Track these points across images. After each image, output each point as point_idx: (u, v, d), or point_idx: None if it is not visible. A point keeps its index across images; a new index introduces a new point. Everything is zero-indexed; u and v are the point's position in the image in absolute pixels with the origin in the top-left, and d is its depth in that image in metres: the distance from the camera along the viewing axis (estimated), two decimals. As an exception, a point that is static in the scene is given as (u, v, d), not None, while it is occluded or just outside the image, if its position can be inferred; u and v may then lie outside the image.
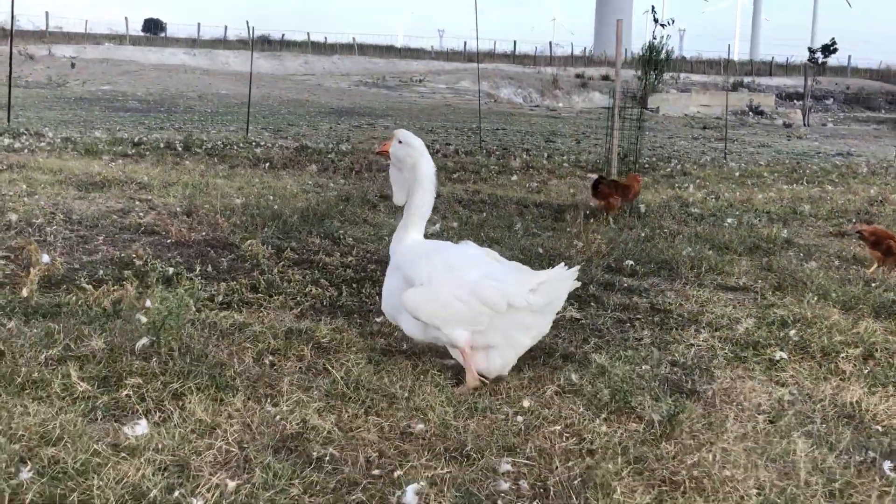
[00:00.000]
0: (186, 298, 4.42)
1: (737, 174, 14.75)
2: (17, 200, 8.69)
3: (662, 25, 10.07)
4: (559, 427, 3.86)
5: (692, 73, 66.61)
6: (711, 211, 10.60)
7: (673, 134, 23.89)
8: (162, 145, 14.78)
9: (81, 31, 63.73)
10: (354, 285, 6.32)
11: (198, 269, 6.25)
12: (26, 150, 13.14)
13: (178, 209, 8.87)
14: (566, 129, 24.10)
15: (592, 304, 6.27)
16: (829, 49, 38.43)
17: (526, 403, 4.09)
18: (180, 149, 14.53)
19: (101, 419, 3.59)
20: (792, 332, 5.65)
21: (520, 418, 3.92)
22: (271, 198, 9.66)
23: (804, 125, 38.73)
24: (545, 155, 16.37)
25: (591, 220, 9.46)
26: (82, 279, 5.72)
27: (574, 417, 3.94)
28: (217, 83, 33.87)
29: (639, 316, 6.04)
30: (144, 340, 4.09)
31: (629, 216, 9.95)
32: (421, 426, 3.74)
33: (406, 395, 4.01)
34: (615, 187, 10.00)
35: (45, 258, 5.85)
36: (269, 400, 3.86)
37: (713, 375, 4.86)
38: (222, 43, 66.22)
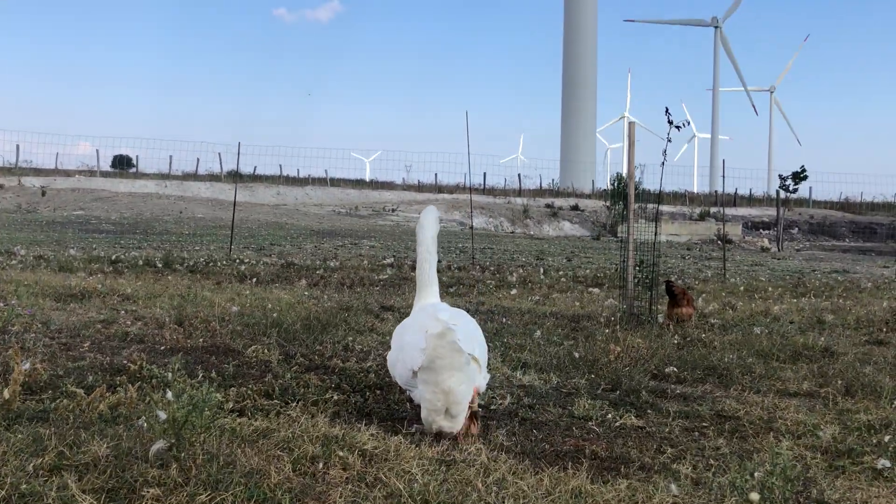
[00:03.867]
0: (212, 393, 3.62)
1: (742, 288, 14.24)
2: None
3: (678, 127, 9.65)
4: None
5: (658, 203, 67.36)
6: (733, 321, 9.98)
7: (661, 254, 23.53)
8: (141, 262, 14.03)
9: (51, 167, 63.49)
10: (379, 391, 5.54)
11: (200, 374, 5.45)
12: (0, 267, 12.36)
13: (167, 319, 8.08)
14: (552, 249, 23.69)
15: (650, 411, 5.53)
16: (799, 176, 38.82)
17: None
18: (160, 265, 13.78)
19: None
20: (886, 438, 4.95)
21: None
22: (269, 306, 8.90)
23: (778, 250, 38.86)
24: (541, 270, 15.81)
25: (617, 328, 8.79)
26: (69, 385, 4.90)
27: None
28: (192, 207, 33.32)
29: (706, 423, 5.31)
30: (161, 444, 3.27)
31: (652, 325, 9.30)
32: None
33: (491, 507, 3.21)
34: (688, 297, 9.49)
35: (26, 365, 5.04)
36: (320, 517, 3.05)
37: (821, 486, 4.12)
38: (193, 176, 66.19)
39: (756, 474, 3.90)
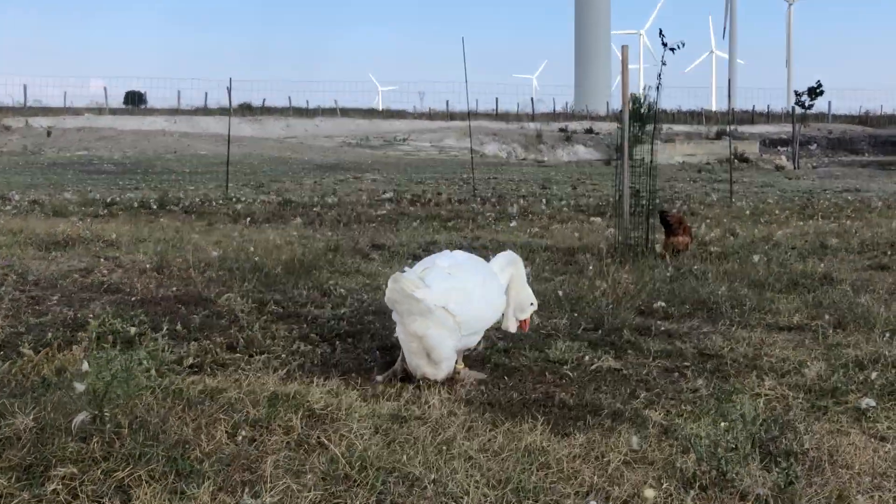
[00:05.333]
0: (140, 359, 3.45)
1: (747, 213, 13.93)
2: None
3: (672, 49, 9.26)
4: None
5: (674, 123, 66.46)
6: (733, 249, 9.72)
7: (670, 178, 23.15)
8: (136, 204, 13.87)
9: (60, 105, 63.09)
10: (350, 340, 5.37)
11: (165, 328, 5.28)
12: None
13: (147, 266, 7.93)
14: (559, 177, 23.34)
15: (630, 351, 5.34)
16: (815, 92, 38.06)
17: (588, 477, 3.13)
18: (155, 207, 13.62)
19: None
20: (873, 375, 4.75)
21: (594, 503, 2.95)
22: (251, 249, 8.72)
23: (795, 167, 38.25)
24: (543, 201, 15.53)
25: (608, 261, 8.56)
26: (25, 344, 4.75)
27: (658, 498, 2.97)
28: (196, 144, 33.04)
29: (687, 363, 5.12)
30: (83, 416, 3.11)
31: (646, 257, 9.06)
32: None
33: (431, 475, 3.04)
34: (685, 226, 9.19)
35: (-16, 322, 4.90)
36: (246, 489, 2.89)
37: (798, 431, 3.92)
38: (203, 110, 65.69)
39: (722, 424, 3.70)
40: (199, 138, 35.94)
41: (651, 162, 10.05)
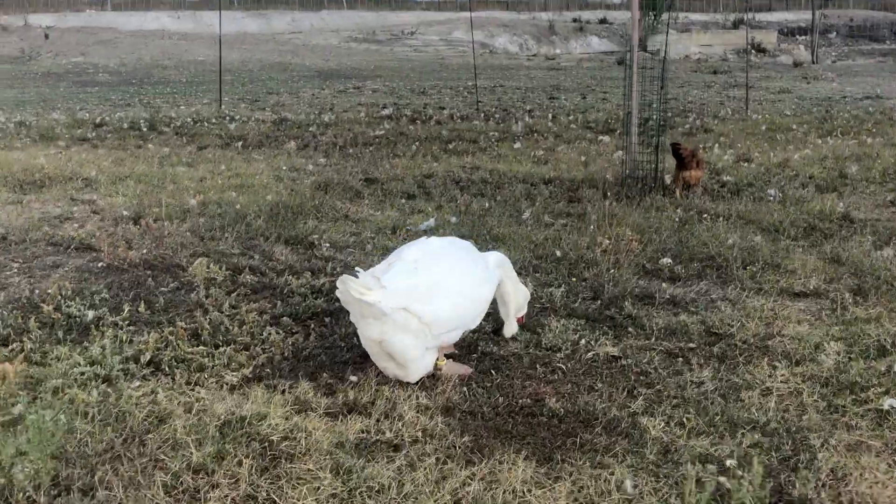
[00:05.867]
0: (60, 418, 3.04)
1: (763, 128, 13.28)
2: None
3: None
4: None
5: (690, 11, 64.39)
6: (747, 179, 9.18)
7: (684, 82, 22.29)
8: (126, 125, 13.34)
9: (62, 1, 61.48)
10: (327, 320, 4.95)
11: (126, 309, 4.88)
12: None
13: (124, 212, 7.49)
14: (569, 83, 22.49)
15: (631, 328, 4.91)
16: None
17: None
18: (145, 129, 13.08)
19: None
20: (896, 367, 4.33)
21: None
22: (234, 194, 8.24)
23: (813, 62, 37.02)
24: (549, 116, 14.88)
25: (612, 202, 8.06)
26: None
27: None
28: (195, 49, 32.01)
29: (692, 345, 4.70)
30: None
31: (655, 193, 8.54)
32: None
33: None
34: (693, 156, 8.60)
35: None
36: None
37: (813, 449, 3.53)
38: (208, 3, 63.98)
39: (729, 462, 3.29)
40: (198, 40, 34.92)
41: (663, 72, 9.40)
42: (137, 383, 3.97)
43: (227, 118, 14.25)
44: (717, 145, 11.59)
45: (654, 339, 4.78)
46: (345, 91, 19.26)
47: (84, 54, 30.09)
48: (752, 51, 42.42)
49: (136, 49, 31.75)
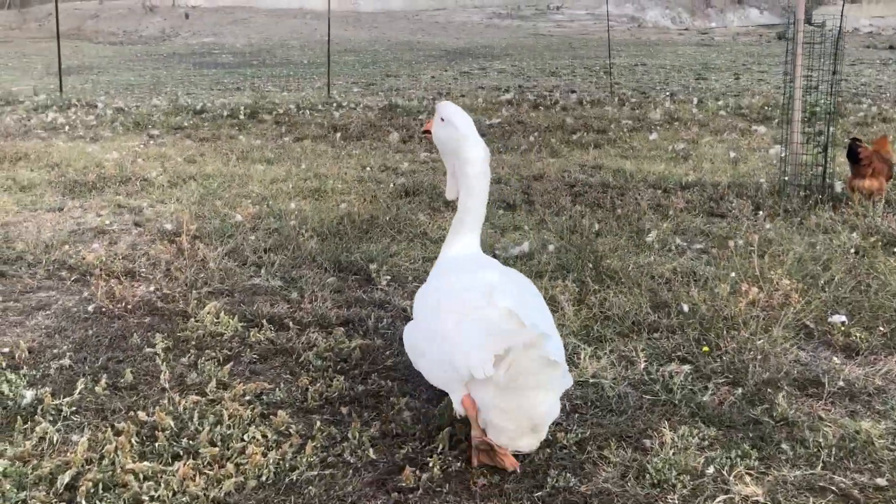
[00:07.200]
0: None
1: (957, 116, 11.01)
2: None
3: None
4: None
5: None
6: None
7: (855, 59, 19.66)
8: (226, 113, 12.32)
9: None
10: (343, 410, 3.53)
11: (79, 388, 3.60)
12: (66, 128, 11.00)
13: (167, 225, 6.31)
14: (721, 61, 20.20)
15: (785, 445, 3.27)
16: None
17: None
18: (243, 117, 12.02)
19: None
20: None
21: None
22: (301, 203, 6.93)
23: None
24: (694, 100, 12.96)
25: (766, 219, 6.30)
26: None
27: None
28: (325, 28, 31.33)
29: (881, 482, 3.04)
30: None
31: (823, 206, 6.71)
32: None
33: None
34: (882, 160, 6.81)
35: None
36: None
37: None
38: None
39: None
40: (333, 19, 34.21)
41: (836, 47, 7.47)
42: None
43: (334, 104, 13.06)
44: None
45: (820, 466, 3.14)
46: (468, 73, 17.77)
47: (216, 34, 29.76)
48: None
49: (266, 28, 31.22)
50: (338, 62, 18.15)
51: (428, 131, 3.91)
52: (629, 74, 16.69)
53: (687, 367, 3.86)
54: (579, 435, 3.33)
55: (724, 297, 4.53)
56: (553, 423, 3.21)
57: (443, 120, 3.76)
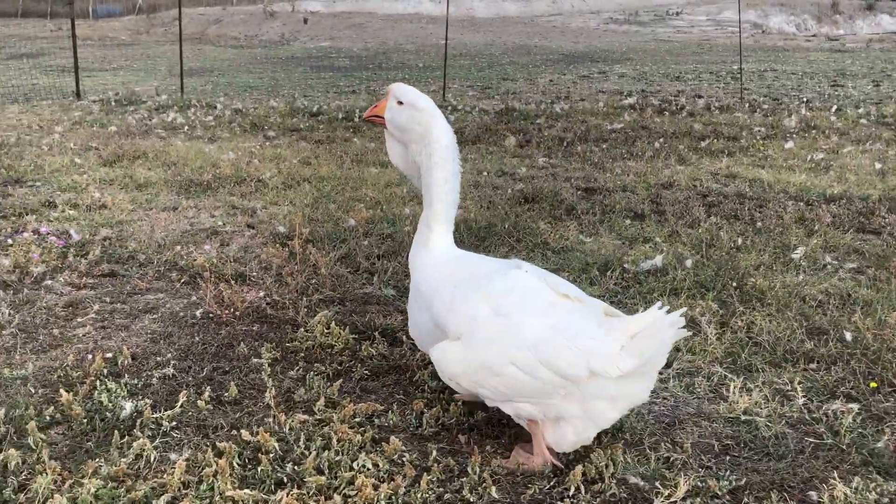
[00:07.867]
0: None
1: None
2: (70, 219, 6.24)
3: None
4: None
5: None
6: None
7: None
8: (341, 116, 12.19)
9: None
10: (461, 439, 3.18)
11: (181, 401, 3.36)
12: (186, 128, 11.04)
13: (280, 228, 6.10)
14: (857, 68, 19.12)
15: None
16: None
17: None
18: (358, 119, 11.86)
19: None
20: None
21: None
22: (405, 211, 6.63)
23: None
24: (832, 108, 12.16)
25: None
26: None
27: None
28: (440, 32, 31.22)
29: None
30: None
31: None
32: None
33: None
34: None
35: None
36: None
37: None
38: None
39: None
40: (447, 24, 34.12)
41: None
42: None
43: (449, 108, 12.77)
44: None
45: None
46: (588, 76, 17.24)
47: (333, 38, 30.00)
48: None
49: (381, 33, 31.32)
50: (453, 66, 17.91)
51: (376, 116, 3.51)
52: (758, 80, 15.89)
53: (855, 406, 3.36)
54: (733, 482, 2.89)
55: (894, 324, 3.99)
56: (702, 467, 2.80)
57: (401, 103, 3.41)
